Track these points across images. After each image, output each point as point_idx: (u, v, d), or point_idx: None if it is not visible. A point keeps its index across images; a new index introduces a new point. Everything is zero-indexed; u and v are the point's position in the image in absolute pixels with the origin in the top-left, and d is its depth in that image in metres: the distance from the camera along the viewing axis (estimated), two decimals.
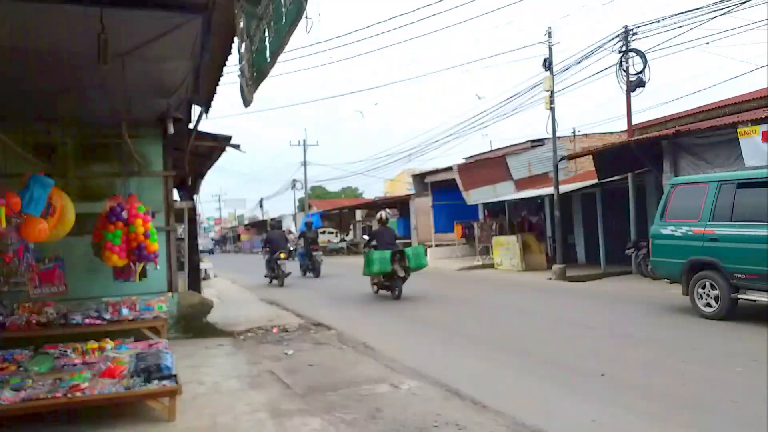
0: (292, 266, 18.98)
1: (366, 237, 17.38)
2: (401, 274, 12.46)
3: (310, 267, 19.34)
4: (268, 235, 19.18)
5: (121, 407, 5.08)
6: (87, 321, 6.93)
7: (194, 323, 8.72)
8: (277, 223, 49.12)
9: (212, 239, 44.19)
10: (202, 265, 14.18)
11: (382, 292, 13.22)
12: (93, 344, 6.16)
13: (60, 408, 4.75)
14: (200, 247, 13.13)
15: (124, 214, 6.45)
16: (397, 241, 13.51)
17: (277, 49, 4.01)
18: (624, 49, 17.07)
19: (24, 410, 4.66)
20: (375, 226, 15.16)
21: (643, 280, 14.24)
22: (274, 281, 17.48)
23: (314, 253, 19.19)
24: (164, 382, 5.00)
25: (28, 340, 6.49)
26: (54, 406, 4.72)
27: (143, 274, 6.95)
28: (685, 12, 15.26)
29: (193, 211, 10.75)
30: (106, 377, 5.09)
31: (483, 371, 6.57)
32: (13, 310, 7.14)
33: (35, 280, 7.68)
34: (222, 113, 26.74)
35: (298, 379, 6.35)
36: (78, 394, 4.75)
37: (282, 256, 17.03)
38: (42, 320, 6.88)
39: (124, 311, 7.18)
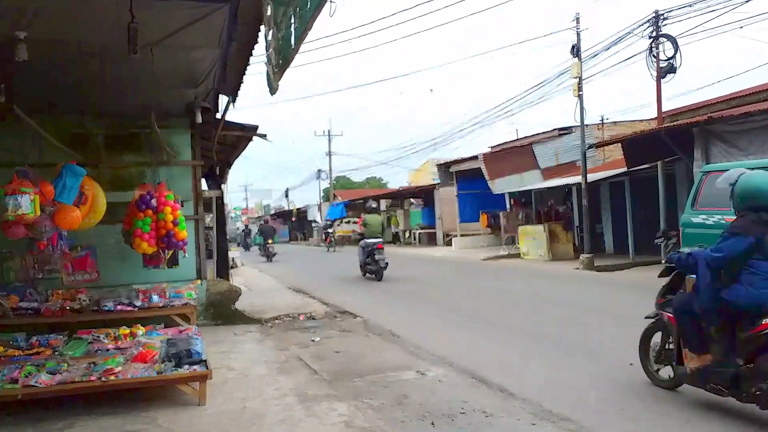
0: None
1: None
2: (382, 264, 14.53)
3: (265, 253, 26.36)
4: (261, 227, 30.63)
5: (153, 391, 5.20)
6: (119, 307, 7.07)
7: (223, 310, 8.84)
8: (302, 213, 49.74)
9: (239, 228, 44.99)
10: (230, 254, 14.36)
11: (369, 276, 15.13)
12: (125, 330, 6.30)
13: (94, 391, 4.88)
14: (228, 236, 13.47)
15: (154, 202, 6.56)
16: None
17: (302, 34, 4.02)
18: (654, 34, 16.75)
19: (59, 393, 4.80)
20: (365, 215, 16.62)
21: None
22: (264, 258, 25.81)
23: (268, 245, 26.21)
24: (195, 367, 5.10)
25: (62, 326, 6.66)
26: (88, 389, 4.85)
27: (174, 262, 7.06)
28: None
29: (221, 200, 10.86)
30: (138, 362, 5.20)
31: (509, 359, 6.56)
32: (48, 296, 7.32)
33: (68, 268, 7.88)
34: (248, 103, 26.92)
35: (325, 365, 6.41)
36: (111, 377, 4.87)
37: (270, 241, 26.28)
38: (75, 306, 7.03)
39: (155, 298, 7.31)
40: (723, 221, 9.03)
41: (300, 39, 4.09)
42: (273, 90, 5.00)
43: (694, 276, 4.61)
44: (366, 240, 15.16)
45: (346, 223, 41.22)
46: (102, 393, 4.93)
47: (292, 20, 4.17)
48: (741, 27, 15.83)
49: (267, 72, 5.03)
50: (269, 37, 4.70)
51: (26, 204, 5.41)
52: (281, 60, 4.62)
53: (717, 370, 4.38)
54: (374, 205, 18.77)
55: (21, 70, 5.38)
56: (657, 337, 5.33)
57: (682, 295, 4.97)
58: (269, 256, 25.53)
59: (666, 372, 5.19)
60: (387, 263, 14.75)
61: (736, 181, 4.52)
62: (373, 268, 14.84)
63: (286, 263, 24.23)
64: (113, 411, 4.89)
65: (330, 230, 33.39)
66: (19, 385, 4.70)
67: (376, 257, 14.63)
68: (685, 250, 4.94)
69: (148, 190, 6.68)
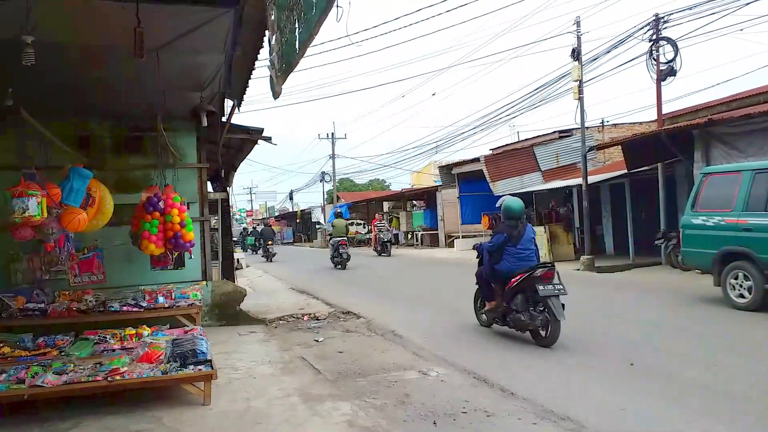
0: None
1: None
2: (345, 257, 19.60)
3: (265, 254, 28.72)
4: (262, 230, 33.21)
5: (159, 391, 5.26)
6: (125, 308, 7.14)
7: (228, 311, 8.92)
8: (306, 214, 50.07)
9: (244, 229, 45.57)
10: (235, 255, 14.48)
11: (338, 267, 19.74)
12: (130, 330, 6.37)
13: (100, 391, 4.94)
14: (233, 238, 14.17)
15: (161, 204, 6.63)
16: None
17: (306, 39, 4.07)
18: (654, 37, 16.80)
19: (66, 393, 4.85)
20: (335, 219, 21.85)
21: (673, 270, 14.07)
22: (264, 258, 28.12)
23: (268, 246, 28.76)
24: (200, 367, 5.16)
25: (68, 327, 6.74)
26: (94, 389, 4.90)
27: (180, 263, 7.13)
28: None
29: (226, 202, 10.94)
30: (144, 362, 5.26)
31: (511, 359, 6.61)
32: (55, 297, 7.40)
33: (75, 269, 7.96)
34: (253, 107, 27.23)
35: (328, 365, 6.48)
36: (117, 377, 4.92)
37: (269, 243, 28.65)
38: (82, 307, 7.11)
39: (160, 299, 7.39)
40: (723, 222, 9.10)
41: (305, 44, 4.13)
42: (276, 94, 5.06)
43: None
44: (334, 239, 20.31)
45: (349, 224, 41.25)
46: (108, 393, 4.98)
47: (297, 25, 4.22)
48: (741, 30, 15.90)
49: (270, 76, 5.10)
50: (273, 42, 4.76)
51: (33, 206, 5.48)
52: (284, 64, 4.67)
53: (497, 310, 7.59)
54: (339, 210, 24.04)
55: (28, 73, 5.44)
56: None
57: (479, 269, 7.96)
58: (269, 256, 28.10)
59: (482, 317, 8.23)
60: (349, 256, 19.95)
61: (502, 203, 7.69)
62: (338, 260, 19.93)
63: (285, 264, 25.47)
64: (119, 411, 4.95)
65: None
66: (25, 386, 4.76)
67: (341, 251, 19.77)
68: (478, 243, 8.48)
69: (156, 193, 6.75)
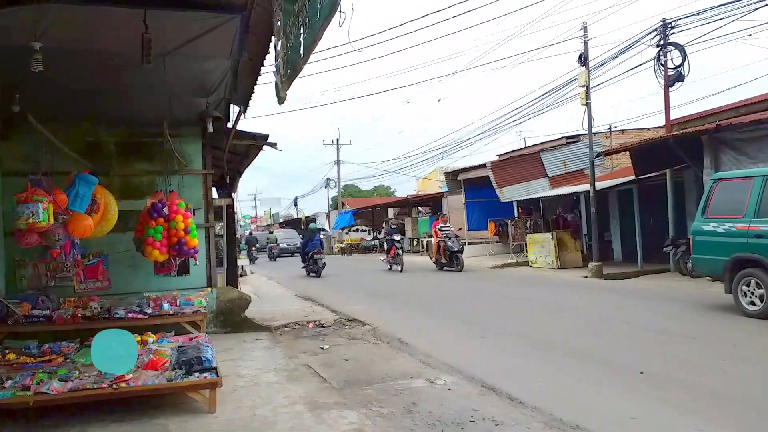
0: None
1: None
2: (320, 264, 19.89)
3: (249, 257, 31.93)
4: (247, 237, 35.18)
5: (164, 398, 5.22)
6: (129, 315, 7.12)
7: (232, 318, 8.87)
8: (311, 221, 50.23)
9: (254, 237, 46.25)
10: (239, 262, 14.47)
11: (312, 275, 20.27)
12: (136, 337, 6.33)
13: (105, 398, 4.90)
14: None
15: (165, 210, 6.61)
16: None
17: (311, 44, 4.06)
18: (662, 42, 16.74)
19: (71, 400, 4.82)
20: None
21: (682, 277, 13.95)
22: (248, 260, 30.34)
23: (252, 251, 32.38)
24: (205, 374, 5.12)
25: (74, 333, 6.71)
26: (99, 396, 4.87)
27: (184, 270, 7.10)
28: (727, 3, 14.88)
29: (231, 208, 10.92)
30: (149, 369, 5.23)
31: (519, 367, 6.55)
32: (60, 304, 7.38)
33: (80, 275, 7.95)
34: (258, 113, 27.19)
35: (334, 373, 6.42)
36: (122, 385, 4.89)
37: (253, 248, 32.48)
38: (87, 314, 7.09)
39: (165, 306, 7.36)
40: (734, 229, 9.01)
41: (309, 49, 4.12)
42: (281, 100, 5.05)
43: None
44: (309, 247, 20.90)
45: (354, 231, 41.28)
46: (113, 400, 4.96)
47: (302, 30, 4.21)
48: (750, 35, 15.81)
49: (275, 82, 5.09)
50: (278, 47, 4.75)
51: (39, 212, 5.47)
52: (290, 70, 4.66)
53: (308, 265, 20.11)
54: (312, 223, 27.67)
55: (35, 79, 5.44)
56: None
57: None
58: (252, 259, 32.18)
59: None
60: (325, 263, 20.10)
61: (314, 226, 14.65)
62: (313, 268, 19.99)
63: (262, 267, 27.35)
64: (124, 418, 4.92)
65: (396, 238, 21.95)
66: (31, 392, 4.73)
67: (315, 258, 19.87)
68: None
69: (160, 199, 6.73)
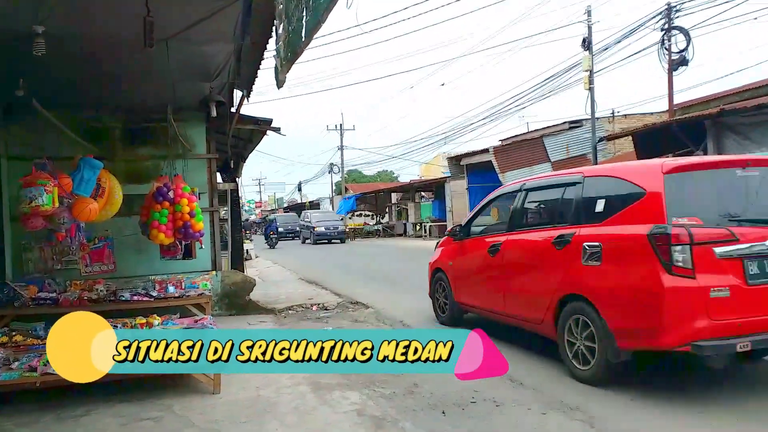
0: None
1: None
2: (274, 240, 31.22)
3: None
4: (244, 223, 40.24)
5: (169, 379, 5.28)
6: (135, 298, 7.19)
7: (237, 301, 8.96)
8: (315, 206, 50.39)
9: (254, 221, 46.39)
10: (245, 246, 14.57)
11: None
12: (141, 320, 6.39)
13: (111, 379, 4.97)
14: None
15: (171, 194, 6.66)
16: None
17: (314, 27, 4.05)
18: (666, 26, 16.63)
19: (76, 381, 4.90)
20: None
21: None
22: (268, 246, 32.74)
23: (272, 236, 33.89)
24: None
25: None
26: (106, 377, 4.94)
27: (189, 253, 7.16)
28: None
29: (235, 192, 10.97)
30: None
31: (520, 349, 6.60)
32: (66, 287, 7.46)
33: (86, 259, 8.02)
34: (262, 98, 27.12)
35: None
36: None
37: (271, 234, 33.04)
38: (93, 297, 7.16)
39: (171, 289, 7.42)
40: None
41: (312, 32, 4.12)
42: (280, 83, 5.06)
43: None
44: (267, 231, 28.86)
45: (357, 215, 41.37)
46: (119, 381, 5.03)
47: (304, 13, 4.21)
48: (755, 18, 15.73)
49: (275, 65, 5.10)
50: (280, 30, 4.75)
51: (42, 196, 5.51)
52: (290, 53, 4.66)
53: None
54: (269, 215, 31.93)
55: (40, 64, 5.47)
56: None
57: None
58: (272, 244, 33.51)
59: None
60: (277, 239, 31.89)
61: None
62: (269, 242, 31.16)
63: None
64: (130, 399, 5.00)
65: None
66: (38, 374, 4.79)
67: (271, 237, 31.48)
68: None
69: (165, 182, 6.78)
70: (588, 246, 5.12)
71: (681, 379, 5.27)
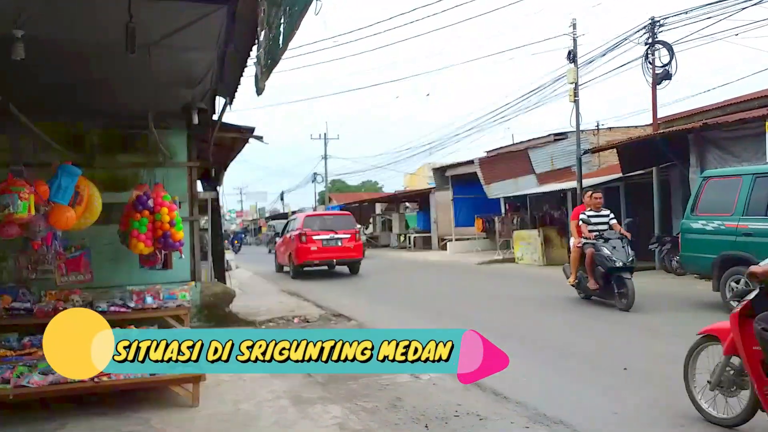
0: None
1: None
2: (238, 247, 35.12)
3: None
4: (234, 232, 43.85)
5: (147, 392, 5.19)
6: (112, 309, 7.00)
7: (216, 312, 8.81)
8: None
9: (234, 231, 46.17)
10: (226, 256, 14.39)
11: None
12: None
13: (87, 392, 4.85)
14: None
15: (150, 203, 6.54)
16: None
17: (290, 33, 4.07)
18: (650, 40, 16.81)
19: (51, 393, 4.78)
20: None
21: (667, 275, 14.04)
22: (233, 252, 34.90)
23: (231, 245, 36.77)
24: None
25: None
26: (81, 390, 4.82)
27: (168, 265, 7.04)
28: (715, 2, 14.98)
29: (216, 201, 10.84)
30: None
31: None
32: (41, 297, 7.25)
33: (62, 268, 7.82)
34: (244, 105, 27.15)
35: None
36: (104, 378, 4.82)
37: (236, 242, 36.94)
38: (68, 307, 6.97)
39: (149, 299, 7.26)
40: (723, 227, 9.05)
41: (288, 38, 4.14)
42: (259, 90, 5.04)
43: None
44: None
45: None
46: (95, 394, 4.92)
47: (282, 20, 4.20)
48: (737, 34, 15.92)
49: (255, 72, 5.07)
50: (261, 38, 4.73)
51: (17, 203, 5.38)
52: (269, 60, 4.65)
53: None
54: (236, 228, 36.47)
55: (17, 68, 5.35)
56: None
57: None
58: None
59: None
60: (241, 246, 36.92)
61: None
62: (235, 248, 33.24)
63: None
64: (106, 412, 4.89)
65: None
66: (10, 386, 4.67)
67: (235, 245, 33.98)
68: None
69: (145, 191, 6.66)
70: None
71: None
